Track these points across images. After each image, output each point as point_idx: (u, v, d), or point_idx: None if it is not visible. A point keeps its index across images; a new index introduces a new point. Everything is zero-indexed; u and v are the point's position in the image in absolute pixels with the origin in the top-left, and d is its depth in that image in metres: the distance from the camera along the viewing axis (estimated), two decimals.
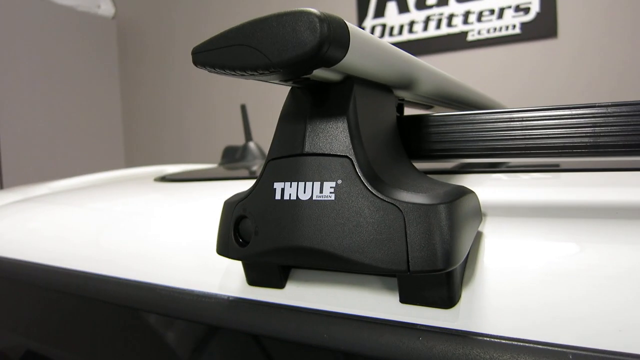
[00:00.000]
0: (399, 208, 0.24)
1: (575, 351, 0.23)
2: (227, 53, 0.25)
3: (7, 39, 3.57)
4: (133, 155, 5.27)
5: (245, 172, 0.72)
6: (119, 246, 0.45)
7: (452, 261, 0.24)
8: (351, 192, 0.25)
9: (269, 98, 4.23)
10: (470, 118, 0.33)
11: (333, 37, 0.23)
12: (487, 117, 0.32)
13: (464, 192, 0.28)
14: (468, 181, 0.34)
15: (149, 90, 5.09)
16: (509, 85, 2.93)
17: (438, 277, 0.25)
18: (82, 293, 0.43)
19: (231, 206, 0.30)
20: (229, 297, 0.34)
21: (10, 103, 4.00)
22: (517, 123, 0.31)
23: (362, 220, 0.25)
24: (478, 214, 0.29)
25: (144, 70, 4.90)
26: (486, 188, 0.34)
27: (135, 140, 5.40)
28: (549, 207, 0.31)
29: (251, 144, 1.06)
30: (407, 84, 0.35)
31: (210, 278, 0.36)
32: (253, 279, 0.33)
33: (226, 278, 0.35)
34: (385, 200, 0.25)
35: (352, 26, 0.25)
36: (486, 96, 0.59)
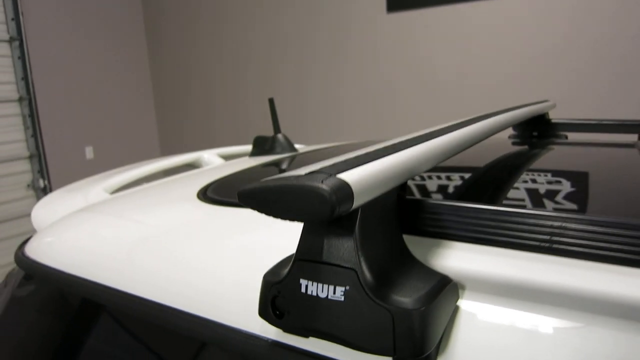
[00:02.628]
0: (390, 312, 0.34)
1: None
2: (264, 204, 0.34)
3: None
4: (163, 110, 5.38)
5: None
6: (176, 278, 0.56)
7: (427, 349, 0.34)
8: (356, 296, 0.35)
9: (299, 91, 4.23)
10: (458, 211, 0.42)
11: (341, 201, 0.31)
12: (473, 213, 0.41)
13: (444, 285, 0.37)
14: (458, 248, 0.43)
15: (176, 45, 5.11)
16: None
17: None
18: (144, 318, 0.55)
19: (269, 285, 0.40)
20: (268, 339, 0.45)
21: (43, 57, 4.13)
22: (491, 222, 0.40)
23: (363, 318, 0.35)
24: (455, 298, 0.38)
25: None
26: (471, 255, 0.42)
27: (164, 97, 5.50)
28: (518, 283, 0.39)
29: (279, 136, 1.15)
30: (410, 178, 0.43)
31: (256, 321, 0.46)
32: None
33: (267, 324, 0.46)
34: (380, 305, 0.34)
35: (355, 181, 0.33)
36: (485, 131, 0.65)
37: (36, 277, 0.73)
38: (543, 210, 0.38)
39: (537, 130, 1.33)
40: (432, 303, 0.34)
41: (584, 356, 0.33)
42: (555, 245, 0.37)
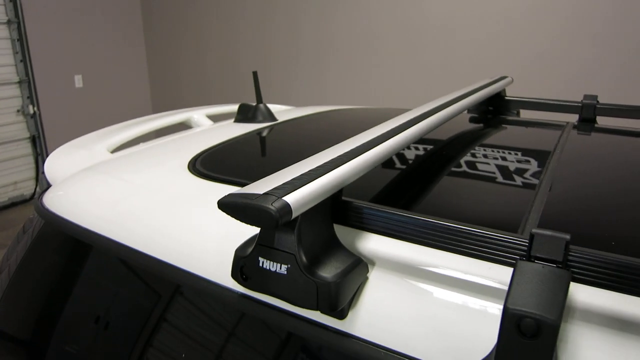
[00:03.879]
0: (315, 283, 0.52)
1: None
2: (234, 213, 0.50)
3: None
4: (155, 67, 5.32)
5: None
6: (168, 241, 0.73)
7: (339, 306, 0.52)
8: (294, 272, 0.53)
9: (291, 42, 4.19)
10: (374, 212, 0.59)
11: (282, 217, 0.47)
12: (384, 214, 0.58)
13: (356, 264, 0.55)
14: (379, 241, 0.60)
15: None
16: None
17: None
18: (134, 264, 0.73)
19: (238, 258, 0.58)
20: (237, 291, 0.63)
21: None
22: (397, 223, 0.57)
23: (299, 286, 0.53)
24: (364, 272, 0.56)
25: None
26: (380, 244, 0.59)
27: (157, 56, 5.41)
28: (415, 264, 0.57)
29: (261, 106, 1.29)
30: (345, 185, 0.59)
31: (229, 279, 0.64)
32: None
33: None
34: (310, 278, 0.52)
35: (295, 201, 0.49)
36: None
37: (50, 224, 0.90)
38: (428, 217, 0.56)
39: (492, 106, 1.49)
40: (345, 278, 0.52)
41: (437, 310, 0.53)
42: (431, 242, 0.55)
